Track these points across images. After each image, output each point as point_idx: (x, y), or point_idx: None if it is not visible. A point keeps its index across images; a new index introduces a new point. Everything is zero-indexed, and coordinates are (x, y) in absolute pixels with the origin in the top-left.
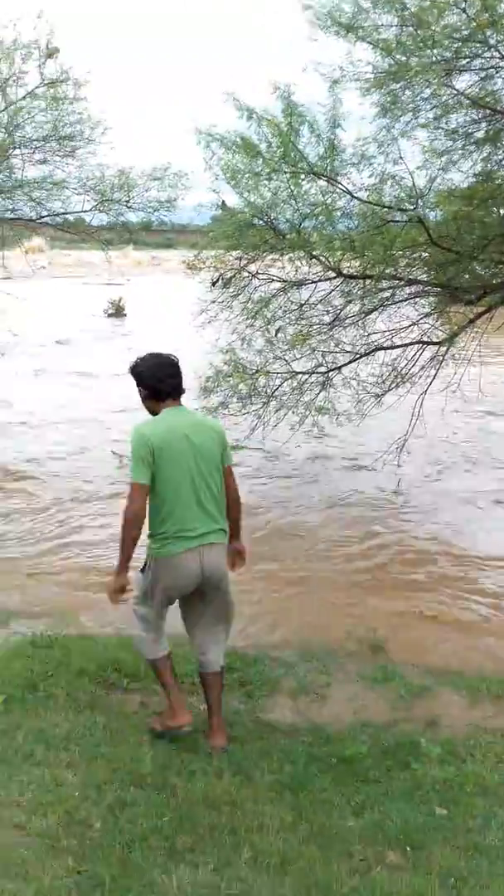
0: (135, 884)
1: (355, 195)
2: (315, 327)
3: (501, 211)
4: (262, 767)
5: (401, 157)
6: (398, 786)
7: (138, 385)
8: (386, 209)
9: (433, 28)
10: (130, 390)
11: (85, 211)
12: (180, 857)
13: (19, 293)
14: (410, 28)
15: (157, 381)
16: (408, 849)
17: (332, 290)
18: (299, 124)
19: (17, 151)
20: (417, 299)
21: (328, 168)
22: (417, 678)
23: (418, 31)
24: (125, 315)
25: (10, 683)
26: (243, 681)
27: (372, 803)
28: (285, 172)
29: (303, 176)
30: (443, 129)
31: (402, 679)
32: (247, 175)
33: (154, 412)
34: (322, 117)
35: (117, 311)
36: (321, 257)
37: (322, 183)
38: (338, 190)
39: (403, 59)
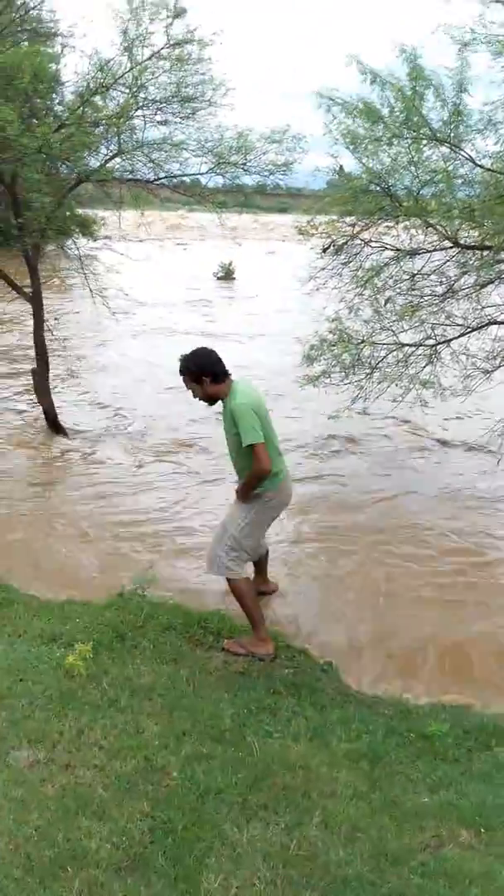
0: (207, 834)
1: (478, 163)
2: (426, 299)
3: None
4: (339, 735)
5: None
6: (477, 767)
7: (201, 377)
8: None
9: None
10: (247, 352)
11: (202, 173)
12: (252, 813)
13: (133, 254)
14: None
15: (213, 366)
16: (482, 830)
17: (447, 261)
18: (424, 88)
19: (139, 112)
20: None
21: (451, 134)
22: None
23: None
24: (234, 278)
25: (101, 632)
26: (325, 650)
27: (449, 782)
28: (406, 138)
29: (424, 141)
30: None
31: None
32: (366, 140)
33: (216, 394)
34: (448, 81)
35: (227, 275)
36: (438, 226)
37: (444, 150)
38: (460, 157)
39: None
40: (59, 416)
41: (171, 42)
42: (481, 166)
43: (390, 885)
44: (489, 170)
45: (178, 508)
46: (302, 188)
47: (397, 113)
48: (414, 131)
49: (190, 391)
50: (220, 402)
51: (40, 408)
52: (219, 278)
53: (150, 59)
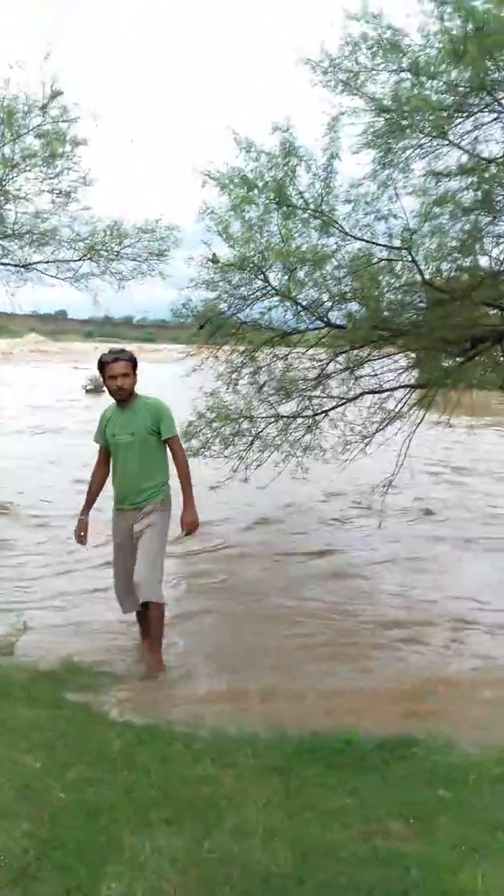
0: (102, 846)
1: (349, 233)
2: (301, 381)
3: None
4: (245, 753)
5: (396, 194)
6: (397, 773)
7: (135, 369)
8: (379, 246)
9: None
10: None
11: (74, 260)
12: (154, 826)
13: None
14: (408, 80)
15: None
16: (411, 820)
17: (321, 339)
18: (296, 164)
19: (10, 206)
20: (406, 351)
21: (321, 204)
22: None
23: (415, 87)
24: (104, 391)
25: None
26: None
27: (369, 786)
28: (283, 206)
29: (298, 213)
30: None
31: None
32: (238, 222)
33: (133, 390)
34: (319, 153)
35: (96, 388)
36: (310, 308)
37: (316, 223)
38: (331, 230)
39: (397, 116)
40: None
41: (44, 124)
42: (353, 236)
43: (320, 877)
44: (360, 239)
45: (43, 572)
46: (167, 320)
47: (271, 185)
48: (286, 202)
49: (118, 380)
50: (118, 406)
51: None
52: (88, 391)
53: (18, 138)
